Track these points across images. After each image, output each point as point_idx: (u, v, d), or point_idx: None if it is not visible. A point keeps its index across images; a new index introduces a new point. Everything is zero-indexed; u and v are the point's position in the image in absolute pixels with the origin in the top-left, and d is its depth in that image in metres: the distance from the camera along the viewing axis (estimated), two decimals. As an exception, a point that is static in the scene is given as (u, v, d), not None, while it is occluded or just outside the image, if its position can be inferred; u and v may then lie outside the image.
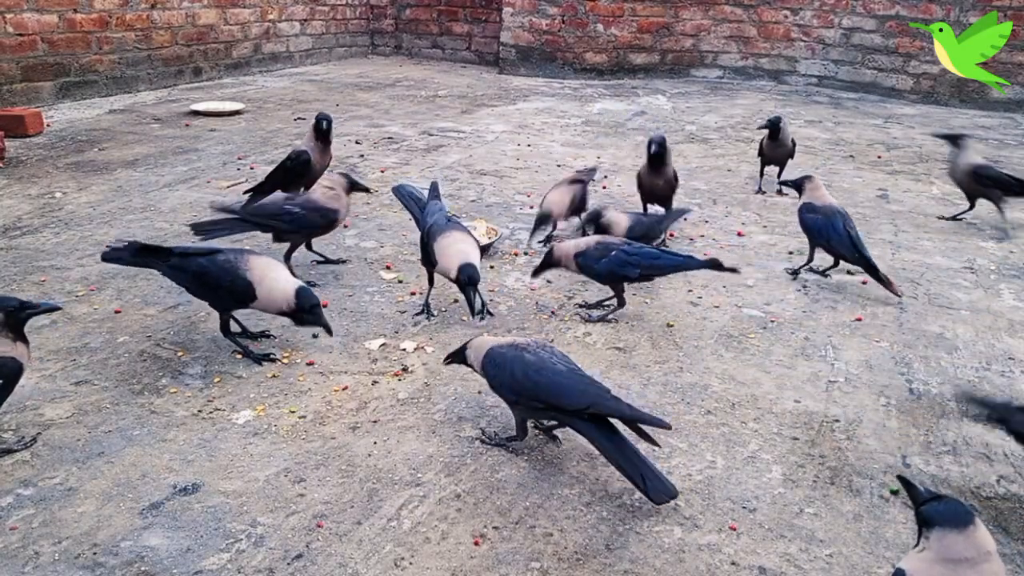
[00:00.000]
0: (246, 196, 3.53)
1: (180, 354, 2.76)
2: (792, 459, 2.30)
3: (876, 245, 4.05)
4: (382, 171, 4.98)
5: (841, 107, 7.90)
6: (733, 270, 2.97)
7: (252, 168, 4.99)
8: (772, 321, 3.18)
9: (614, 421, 2.10)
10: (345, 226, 3.79)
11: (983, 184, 4.22)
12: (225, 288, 2.57)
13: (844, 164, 5.68)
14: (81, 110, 6.40)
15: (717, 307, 3.27)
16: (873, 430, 2.46)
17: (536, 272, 3.20)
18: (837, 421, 2.50)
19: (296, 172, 3.77)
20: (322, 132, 3.82)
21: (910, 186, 5.18)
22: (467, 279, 2.83)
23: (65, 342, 2.80)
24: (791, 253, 3.92)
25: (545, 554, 1.90)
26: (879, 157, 5.91)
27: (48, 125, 5.75)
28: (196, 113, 6.42)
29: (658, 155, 3.82)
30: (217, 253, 2.62)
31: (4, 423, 2.31)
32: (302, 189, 3.70)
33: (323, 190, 3.33)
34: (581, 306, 3.25)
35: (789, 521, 2.05)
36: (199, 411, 2.43)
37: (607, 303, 3.21)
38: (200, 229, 3.12)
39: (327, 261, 3.54)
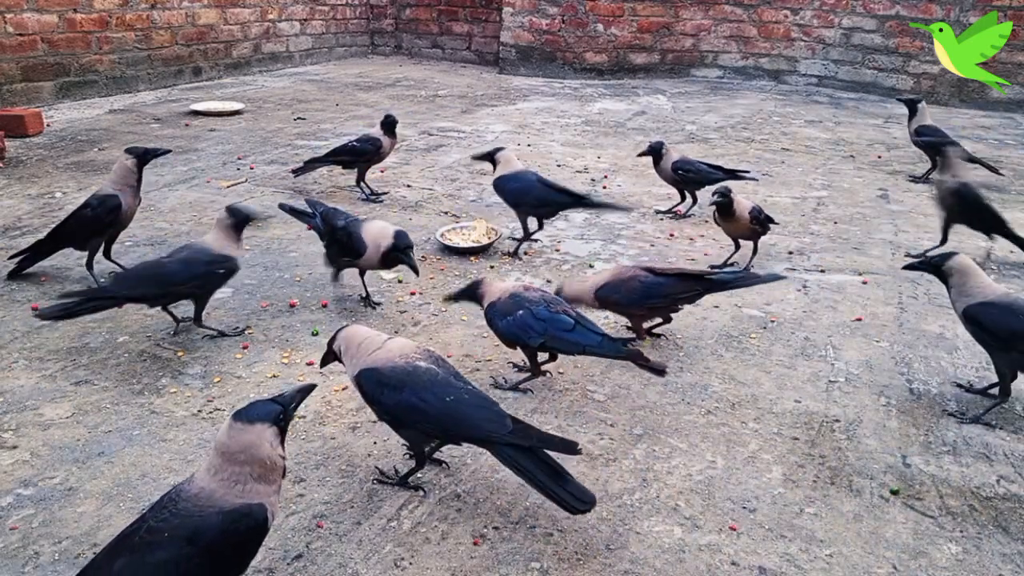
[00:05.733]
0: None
1: (180, 354, 2.76)
2: (792, 459, 2.30)
3: (876, 245, 4.06)
4: (382, 171, 4.98)
5: (841, 107, 7.90)
6: (659, 371, 2.39)
7: (252, 168, 4.99)
8: (772, 321, 3.18)
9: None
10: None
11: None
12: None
13: (844, 164, 5.68)
14: (81, 110, 6.40)
15: (717, 307, 3.27)
16: (873, 430, 2.46)
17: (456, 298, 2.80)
18: (837, 421, 2.50)
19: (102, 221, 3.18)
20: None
21: (910, 186, 5.18)
22: (405, 244, 2.95)
23: (65, 342, 2.80)
24: (791, 253, 3.92)
25: (545, 554, 1.90)
26: (879, 157, 5.91)
27: (48, 125, 5.76)
28: (196, 113, 6.42)
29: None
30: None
31: (4, 423, 2.32)
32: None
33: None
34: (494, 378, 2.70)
35: (789, 521, 2.05)
36: (199, 411, 2.43)
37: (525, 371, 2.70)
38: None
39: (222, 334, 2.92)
